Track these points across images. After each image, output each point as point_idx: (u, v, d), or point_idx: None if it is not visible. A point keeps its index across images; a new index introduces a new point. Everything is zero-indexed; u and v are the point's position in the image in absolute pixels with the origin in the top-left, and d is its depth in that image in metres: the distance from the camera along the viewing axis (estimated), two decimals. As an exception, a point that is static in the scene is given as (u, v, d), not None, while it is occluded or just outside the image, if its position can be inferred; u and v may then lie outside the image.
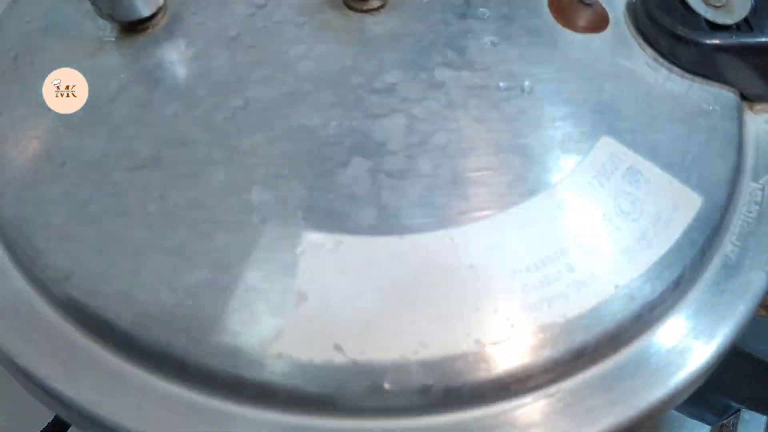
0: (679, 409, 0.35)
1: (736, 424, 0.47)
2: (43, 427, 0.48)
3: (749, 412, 0.46)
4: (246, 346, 0.25)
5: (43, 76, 0.31)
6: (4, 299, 0.28)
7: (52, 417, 0.48)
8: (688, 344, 0.27)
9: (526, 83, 0.30)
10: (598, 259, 0.27)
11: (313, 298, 0.25)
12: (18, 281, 0.28)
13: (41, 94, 0.30)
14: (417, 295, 0.26)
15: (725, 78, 0.33)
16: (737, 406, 0.35)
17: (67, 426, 0.48)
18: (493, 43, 0.31)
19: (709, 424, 0.38)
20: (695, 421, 0.42)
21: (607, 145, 0.29)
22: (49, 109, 0.30)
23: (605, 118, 0.30)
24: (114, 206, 0.27)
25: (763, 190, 0.32)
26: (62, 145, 0.29)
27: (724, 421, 0.46)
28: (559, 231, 0.27)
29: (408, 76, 0.30)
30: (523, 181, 0.28)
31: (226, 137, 0.28)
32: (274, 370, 0.25)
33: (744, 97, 0.34)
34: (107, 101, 0.30)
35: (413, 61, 0.30)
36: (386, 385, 0.25)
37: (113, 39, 0.32)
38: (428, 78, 0.30)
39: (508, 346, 0.25)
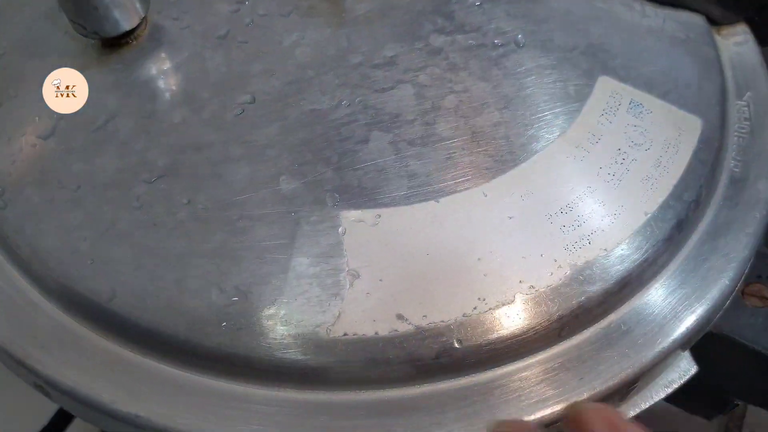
0: (679, 404, 0.37)
1: (741, 426, 0.49)
2: (43, 426, 0.47)
3: (754, 414, 0.48)
4: (310, 332, 0.25)
5: (31, 105, 0.30)
6: (45, 332, 0.27)
7: (52, 417, 0.47)
8: (723, 257, 0.29)
9: (519, 36, 0.31)
10: (624, 191, 0.28)
11: (365, 273, 0.26)
12: (54, 312, 0.27)
13: (36, 122, 0.29)
14: (464, 254, 0.26)
15: (690, 4, 0.34)
16: (736, 400, 0.36)
17: (66, 425, 0.47)
18: (477, 4, 0.32)
19: (709, 419, 0.39)
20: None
21: (606, 83, 0.30)
22: (48, 137, 0.29)
23: (598, 59, 0.31)
24: (143, 220, 0.27)
25: (748, 106, 0.33)
26: (72, 169, 0.28)
27: (729, 423, 0.49)
28: (582, 171, 0.28)
29: (405, 47, 0.30)
30: (538, 129, 0.28)
31: (241, 133, 0.28)
32: (345, 349, 0.25)
33: (712, 22, 0.35)
34: (109, 118, 0.29)
35: (406, 33, 0.31)
36: (456, 344, 0.25)
37: (97, 55, 0.31)
38: (425, 46, 0.30)
39: (560, 286, 0.26)
